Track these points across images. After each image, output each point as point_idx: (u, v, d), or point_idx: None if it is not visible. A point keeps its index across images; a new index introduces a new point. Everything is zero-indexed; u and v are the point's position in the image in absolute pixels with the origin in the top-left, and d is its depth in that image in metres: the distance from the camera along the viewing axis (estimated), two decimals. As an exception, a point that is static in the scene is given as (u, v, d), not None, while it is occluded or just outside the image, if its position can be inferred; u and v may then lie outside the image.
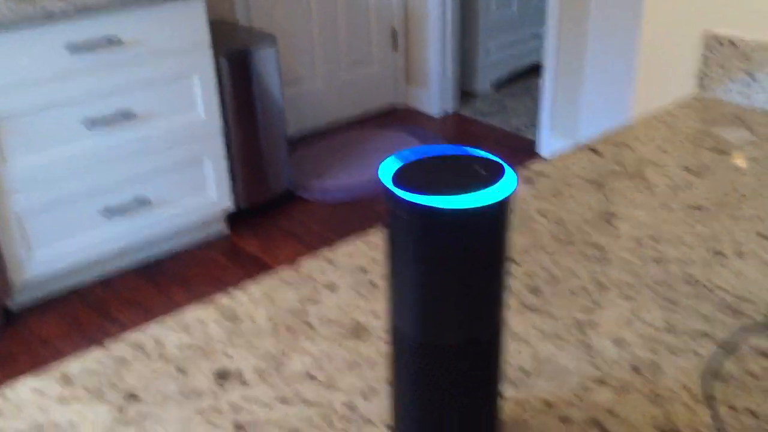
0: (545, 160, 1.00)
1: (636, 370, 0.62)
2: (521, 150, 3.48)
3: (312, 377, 0.63)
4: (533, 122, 3.74)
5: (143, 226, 2.55)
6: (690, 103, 1.17)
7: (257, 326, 0.69)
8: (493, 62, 4.09)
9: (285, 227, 2.89)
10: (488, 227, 0.43)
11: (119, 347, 0.67)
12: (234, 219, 2.92)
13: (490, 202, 0.41)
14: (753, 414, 0.57)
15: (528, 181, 0.95)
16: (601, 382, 0.61)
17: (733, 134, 1.05)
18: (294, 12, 3.39)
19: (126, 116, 2.37)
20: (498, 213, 0.43)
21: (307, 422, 0.58)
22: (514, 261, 0.78)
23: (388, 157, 0.44)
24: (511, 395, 0.60)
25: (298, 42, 3.45)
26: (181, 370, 0.64)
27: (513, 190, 0.42)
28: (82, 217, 2.41)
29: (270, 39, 2.74)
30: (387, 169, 0.44)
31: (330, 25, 3.53)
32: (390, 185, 0.42)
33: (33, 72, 2.16)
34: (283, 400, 0.60)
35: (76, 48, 2.20)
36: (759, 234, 0.81)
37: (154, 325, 0.70)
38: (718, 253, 0.78)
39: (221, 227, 2.85)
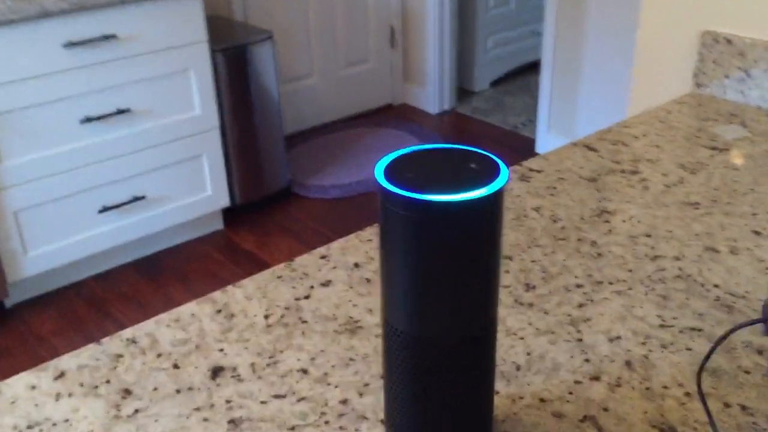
0: (541, 157, 1.00)
1: (629, 365, 0.63)
2: (519, 148, 3.48)
3: (306, 373, 0.63)
4: (531, 120, 3.74)
5: (140, 222, 2.54)
6: (685, 100, 1.17)
7: (252, 322, 0.69)
8: (491, 60, 4.09)
9: (282, 224, 2.89)
10: (479, 221, 0.43)
11: (114, 343, 0.67)
12: (231, 215, 2.92)
13: (480, 197, 0.41)
14: (745, 409, 0.58)
15: (523, 177, 0.95)
16: (595, 377, 0.62)
17: (728, 131, 1.05)
18: (291, 8, 3.39)
19: (122, 113, 2.37)
20: (489, 207, 0.43)
21: (301, 417, 0.58)
22: (508, 257, 0.78)
23: (385, 155, 0.44)
24: (505, 390, 0.60)
25: (295, 39, 3.45)
26: (176, 366, 0.64)
27: (503, 184, 0.43)
28: (79, 214, 2.41)
29: (267, 35, 2.73)
30: (380, 165, 0.44)
31: (328, 22, 3.53)
32: (382, 180, 0.43)
33: (29, 69, 2.16)
34: (278, 396, 0.61)
35: (72, 45, 2.20)
36: (752, 230, 0.82)
37: (149, 322, 0.70)
38: (712, 250, 0.79)
39: (218, 224, 2.85)
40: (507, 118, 3.79)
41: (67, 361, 0.65)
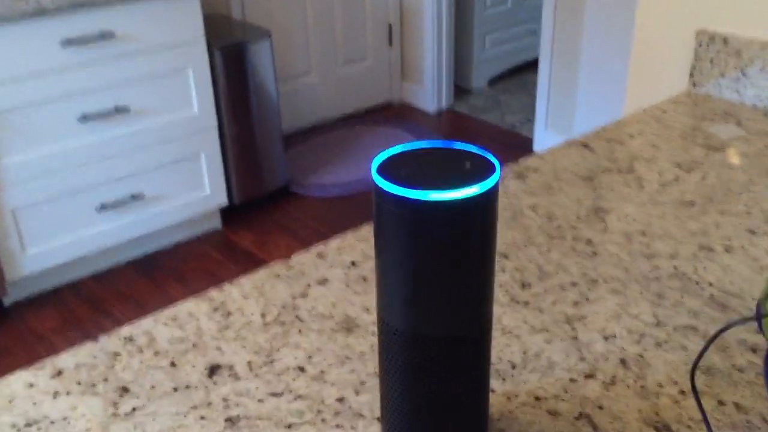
0: (538, 155, 1.01)
1: (624, 363, 0.63)
2: (517, 146, 3.48)
3: (303, 371, 0.63)
4: (529, 119, 3.74)
5: (138, 221, 2.55)
6: (681, 99, 1.18)
7: (248, 320, 0.70)
8: (489, 58, 4.10)
9: (280, 222, 2.90)
10: (473, 219, 0.43)
11: (112, 341, 0.67)
12: (229, 214, 2.92)
13: (474, 194, 0.42)
14: (739, 407, 0.58)
15: (519, 176, 0.95)
16: (590, 375, 0.62)
17: (723, 130, 1.06)
18: (289, 7, 3.39)
19: (120, 111, 2.37)
20: (483, 205, 0.43)
21: (297, 415, 0.59)
22: (504, 255, 0.79)
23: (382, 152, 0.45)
24: (500, 389, 0.61)
25: (293, 37, 3.45)
26: (173, 364, 0.64)
27: (497, 181, 0.43)
28: (77, 213, 2.41)
29: (265, 33, 2.74)
30: (375, 163, 0.45)
31: (325, 20, 3.53)
32: (376, 178, 0.43)
33: (27, 67, 2.16)
34: (274, 394, 0.61)
35: (69, 43, 2.20)
36: (747, 229, 0.82)
37: (146, 320, 0.70)
38: (707, 248, 0.79)
39: (216, 222, 2.85)
40: (504, 116, 3.80)
41: (65, 359, 0.65)
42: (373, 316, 0.70)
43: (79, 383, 0.62)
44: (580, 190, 0.91)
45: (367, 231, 0.84)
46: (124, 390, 0.62)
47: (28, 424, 0.58)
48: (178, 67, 2.46)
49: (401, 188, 0.42)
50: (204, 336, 0.68)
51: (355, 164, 3.29)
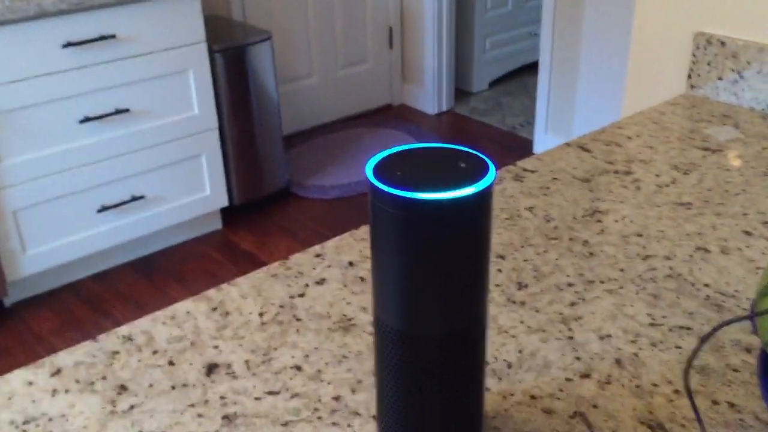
0: (535, 157, 1.01)
1: (619, 363, 0.64)
2: (517, 149, 3.49)
3: (300, 370, 0.64)
4: (529, 121, 3.75)
5: (138, 222, 2.55)
6: (679, 101, 1.18)
7: (246, 320, 0.70)
8: (489, 61, 4.11)
9: (280, 224, 2.90)
10: (467, 219, 0.44)
11: (110, 340, 0.68)
12: (229, 215, 2.92)
13: (468, 195, 0.42)
14: (733, 406, 0.59)
15: (517, 177, 0.96)
16: (585, 375, 0.62)
17: (721, 132, 1.06)
18: (290, 8, 3.40)
19: (121, 113, 2.38)
20: (477, 205, 0.44)
21: (294, 413, 0.59)
22: (501, 256, 0.79)
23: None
24: (496, 387, 0.61)
25: (293, 39, 3.46)
26: (171, 363, 0.65)
27: (491, 182, 0.43)
28: (78, 213, 2.41)
29: (266, 36, 2.74)
30: (370, 164, 0.45)
31: (326, 22, 3.54)
32: (372, 178, 0.43)
33: (28, 69, 2.17)
34: (271, 392, 0.61)
35: (71, 45, 2.20)
36: (743, 231, 0.83)
37: (145, 319, 0.70)
38: (703, 250, 0.79)
39: (216, 224, 2.86)
40: (505, 118, 3.80)
41: (64, 357, 0.66)
42: (370, 316, 0.70)
43: (77, 381, 0.63)
44: (577, 192, 0.92)
45: (365, 232, 0.84)
46: (123, 388, 0.62)
47: (27, 422, 0.59)
48: (178, 68, 2.46)
49: (396, 188, 0.43)
50: (202, 335, 0.68)
51: (355, 166, 3.30)
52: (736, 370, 0.62)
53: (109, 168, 2.42)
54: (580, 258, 0.78)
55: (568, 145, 1.04)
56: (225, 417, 0.59)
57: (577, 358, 0.64)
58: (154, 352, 0.66)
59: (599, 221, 0.85)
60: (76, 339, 2.31)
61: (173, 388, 0.62)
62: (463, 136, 3.64)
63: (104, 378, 0.63)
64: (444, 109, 3.90)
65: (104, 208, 2.45)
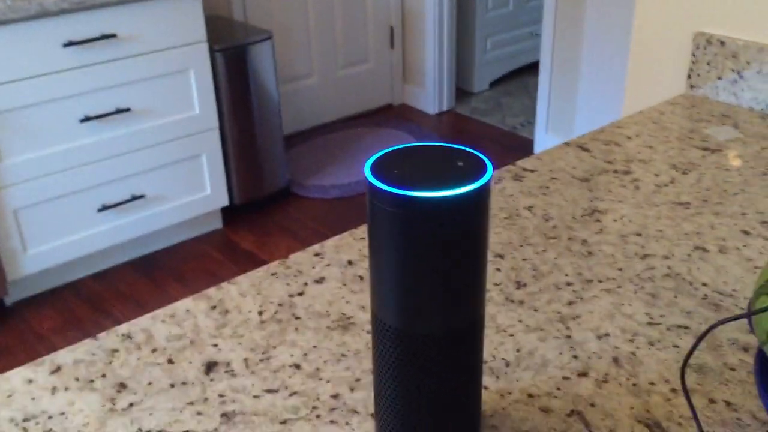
0: (535, 156, 1.01)
1: (617, 362, 0.64)
2: (517, 149, 3.49)
3: (299, 368, 0.64)
4: (530, 121, 3.75)
5: (139, 221, 2.56)
6: (679, 101, 1.18)
7: (246, 318, 0.70)
8: (490, 61, 4.11)
9: (281, 224, 2.90)
10: (465, 217, 0.44)
11: (110, 338, 0.68)
12: (230, 215, 2.93)
13: (465, 193, 0.42)
14: (730, 405, 0.59)
15: (516, 177, 0.96)
16: (583, 373, 0.63)
17: (720, 132, 1.06)
18: (291, 8, 3.40)
19: (122, 112, 2.38)
20: (474, 203, 0.44)
21: (293, 411, 0.59)
22: (500, 255, 0.79)
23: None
24: (494, 386, 0.61)
25: (294, 38, 3.46)
26: (170, 361, 0.65)
27: (488, 180, 0.44)
28: (78, 213, 2.42)
29: (266, 35, 2.75)
30: (368, 163, 0.45)
31: (327, 22, 3.54)
32: (370, 176, 0.44)
33: (29, 68, 2.17)
34: (270, 390, 0.61)
35: (72, 44, 2.21)
36: (741, 230, 0.83)
37: (145, 317, 0.71)
38: (701, 249, 0.80)
39: (217, 223, 2.86)
40: (506, 118, 3.80)
41: (64, 355, 0.66)
42: (368, 315, 0.70)
43: (77, 379, 0.63)
44: (576, 191, 0.92)
45: (365, 231, 0.85)
46: (122, 386, 0.62)
47: (27, 419, 0.59)
48: (179, 68, 2.47)
49: (393, 187, 0.43)
50: (201, 333, 0.68)
51: (356, 166, 3.30)
52: (733, 369, 0.62)
53: (110, 167, 2.42)
54: (578, 257, 0.79)
55: (567, 144, 1.05)
56: (224, 415, 0.59)
57: (575, 357, 0.64)
58: (154, 351, 0.66)
59: (598, 221, 0.85)
60: (76, 338, 2.31)
61: (172, 386, 0.62)
62: (463, 136, 3.64)
63: (104, 376, 0.63)
64: (445, 109, 3.90)
65: (105, 208, 2.45)
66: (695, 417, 0.50)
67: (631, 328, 0.68)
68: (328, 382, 0.62)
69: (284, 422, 0.58)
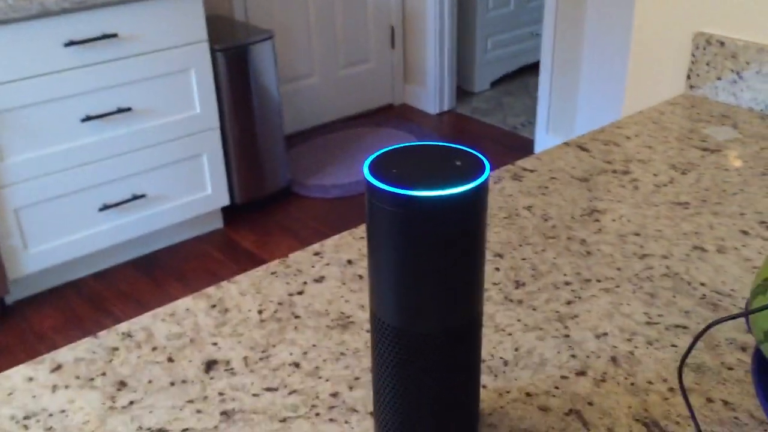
0: (534, 156, 1.01)
1: (615, 361, 0.64)
2: (518, 149, 3.49)
3: (298, 367, 0.64)
4: (531, 121, 3.75)
5: (140, 221, 2.56)
6: (678, 101, 1.19)
7: (245, 317, 0.70)
8: (491, 61, 4.11)
9: (281, 223, 2.91)
10: (463, 216, 0.44)
11: (110, 337, 0.68)
12: (231, 215, 2.93)
13: (463, 192, 0.43)
14: (727, 404, 0.59)
15: (516, 176, 0.96)
16: (581, 373, 0.63)
17: (719, 132, 1.06)
18: (292, 8, 3.40)
19: (123, 111, 2.38)
20: (472, 202, 0.44)
21: (292, 410, 0.60)
22: (499, 255, 0.80)
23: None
24: (492, 385, 0.62)
25: (295, 38, 3.46)
26: (170, 360, 0.65)
27: (486, 179, 0.44)
28: (79, 212, 2.42)
29: (267, 35, 2.75)
30: (367, 162, 0.46)
31: (328, 22, 3.54)
32: (368, 176, 0.44)
33: (30, 67, 2.18)
34: (270, 389, 0.62)
35: (73, 44, 2.21)
36: (740, 230, 0.83)
37: (145, 316, 0.71)
38: (700, 249, 0.80)
39: (218, 223, 2.87)
40: (506, 118, 3.80)
41: (64, 354, 0.66)
42: (367, 314, 0.71)
43: (77, 377, 0.63)
44: (575, 191, 0.92)
45: (364, 230, 0.85)
46: (122, 384, 0.63)
47: (27, 417, 0.59)
48: (180, 67, 2.47)
49: (391, 186, 0.43)
50: (201, 332, 0.69)
51: (356, 166, 3.30)
52: (730, 369, 0.63)
53: (111, 167, 2.43)
54: (577, 257, 0.79)
55: (567, 144, 1.05)
56: (223, 413, 0.59)
57: (573, 356, 0.65)
58: (154, 349, 0.66)
59: (597, 220, 0.86)
60: (77, 337, 2.32)
61: (172, 384, 0.62)
62: (464, 136, 3.64)
63: (104, 374, 0.64)
64: (445, 108, 3.90)
65: (106, 207, 2.45)
66: (693, 416, 0.51)
67: (630, 327, 0.68)
68: (327, 380, 0.63)
69: (283, 420, 0.58)
